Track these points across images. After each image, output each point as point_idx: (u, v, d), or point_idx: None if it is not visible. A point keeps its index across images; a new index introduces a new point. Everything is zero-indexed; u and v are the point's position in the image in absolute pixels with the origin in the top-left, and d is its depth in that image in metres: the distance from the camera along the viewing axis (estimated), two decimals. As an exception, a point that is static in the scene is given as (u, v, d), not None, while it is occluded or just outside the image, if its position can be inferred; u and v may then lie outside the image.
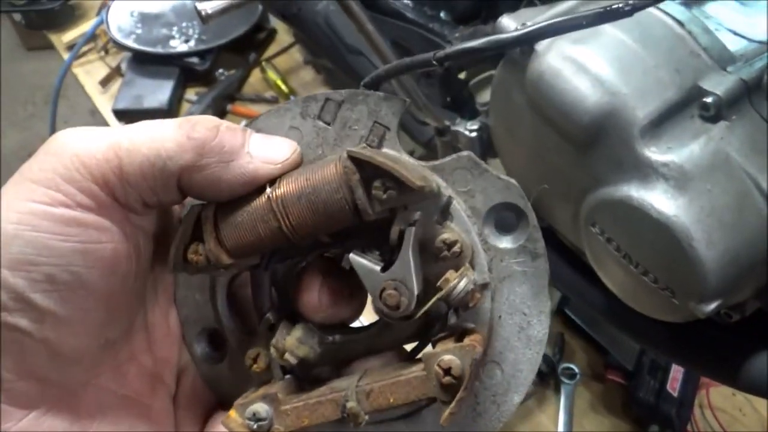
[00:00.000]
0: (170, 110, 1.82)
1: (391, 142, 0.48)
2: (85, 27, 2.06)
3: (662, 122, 0.64)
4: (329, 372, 0.50)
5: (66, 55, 2.00)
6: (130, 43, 1.89)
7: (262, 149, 0.46)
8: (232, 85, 1.91)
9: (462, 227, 0.47)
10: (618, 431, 1.28)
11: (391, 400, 0.43)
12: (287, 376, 0.49)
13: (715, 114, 0.63)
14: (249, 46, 1.97)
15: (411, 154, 0.48)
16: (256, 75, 1.98)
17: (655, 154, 0.64)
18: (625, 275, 0.71)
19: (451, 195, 0.47)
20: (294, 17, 1.34)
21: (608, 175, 0.68)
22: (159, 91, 1.85)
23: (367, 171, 0.43)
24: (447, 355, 0.42)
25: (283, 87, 1.90)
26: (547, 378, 1.33)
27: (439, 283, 0.43)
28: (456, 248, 0.45)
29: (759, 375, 0.73)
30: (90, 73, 2.00)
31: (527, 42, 0.64)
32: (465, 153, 0.47)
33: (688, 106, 0.65)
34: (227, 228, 0.45)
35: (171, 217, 0.52)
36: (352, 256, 0.45)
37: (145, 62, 1.91)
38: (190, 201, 0.48)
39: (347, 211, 0.43)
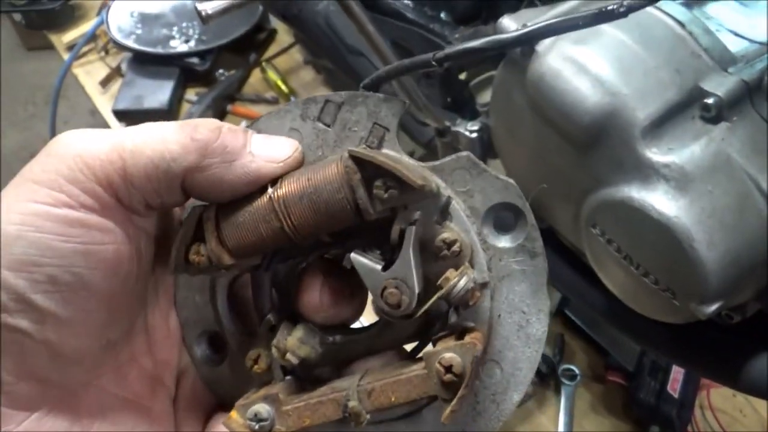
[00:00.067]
0: (170, 110, 1.82)
1: (390, 143, 0.48)
2: (85, 27, 2.06)
3: (663, 123, 0.64)
4: (330, 372, 0.50)
5: (66, 56, 2.00)
6: (130, 43, 1.89)
7: (263, 148, 0.46)
8: (233, 85, 1.91)
9: (461, 227, 0.47)
10: (618, 432, 1.28)
11: (393, 399, 0.43)
12: (288, 377, 0.49)
13: (716, 115, 0.63)
14: (249, 46, 1.97)
15: (411, 154, 0.48)
16: (256, 75, 1.98)
17: (656, 155, 0.64)
18: (626, 276, 0.71)
19: (451, 195, 0.47)
20: (294, 18, 1.34)
21: (609, 176, 0.68)
22: (159, 92, 1.85)
23: (369, 171, 0.43)
24: (448, 353, 0.42)
25: (284, 87, 1.90)
26: (548, 379, 1.33)
27: (439, 282, 0.43)
28: (455, 247, 0.45)
29: (759, 376, 0.73)
30: (90, 73, 2.00)
31: (525, 43, 0.64)
32: (464, 153, 0.48)
33: (688, 107, 0.65)
34: (229, 228, 0.45)
35: (172, 220, 0.52)
36: (353, 255, 0.45)
37: (146, 62, 1.91)
38: (191, 203, 0.48)
39: (349, 210, 0.43)
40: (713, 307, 0.64)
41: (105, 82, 1.95)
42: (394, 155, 0.48)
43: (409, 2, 1.21)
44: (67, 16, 2.12)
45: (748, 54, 0.67)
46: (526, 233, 0.47)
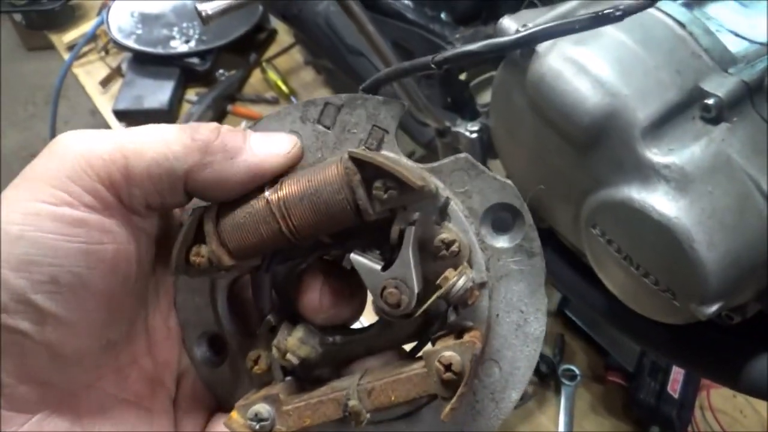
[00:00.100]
0: (171, 111, 1.83)
1: (389, 145, 0.49)
2: (85, 27, 2.06)
3: (663, 124, 0.64)
4: (330, 373, 0.50)
5: (66, 56, 2.01)
6: (130, 43, 1.89)
7: (263, 145, 0.47)
8: (233, 85, 1.91)
9: (460, 227, 0.47)
10: (618, 432, 1.28)
11: (393, 398, 0.43)
12: (288, 378, 0.49)
13: (716, 115, 0.63)
14: (249, 46, 1.98)
15: (411, 155, 0.49)
16: (256, 75, 1.98)
17: (656, 155, 0.64)
18: (626, 277, 0.71)
19: (449, 196, 0.48)
20: (294, 18, 1.34)
21: (609, 177, 0.68)
22: (159, 92, 1.85)
23: (368, 171, 0.43)
24: (447, 351, 0.42)
25: (284, 87, 1.91)
26: (548, 379, 1.33)
27: (438, 282, 0.44)
28: (454, 247, 0.46)
29: (760, 377, 0.73)
30: (90, 73, 2.01)
31: (522, 46, 0.64)
32: (462, 155, 0.48)
33: (689, 108, 0.65)
34: (229, 229, 0.45)
35: (172, 221, 0.52)
36: (353, 255, 0.45)
37: (146, 63, 1.91)
38: (192, 205, 0.48)
39: (349, 211, 0.44)
40: (713, 308, 0.64)
41: (105, 82, 1.95)
42: (393, 157, 0.48)
43: (409, 2, 1.21)
44: (68, 16, 2.13)
45: (748, 54, 0.67)
46: (524, 233, 0.48)
